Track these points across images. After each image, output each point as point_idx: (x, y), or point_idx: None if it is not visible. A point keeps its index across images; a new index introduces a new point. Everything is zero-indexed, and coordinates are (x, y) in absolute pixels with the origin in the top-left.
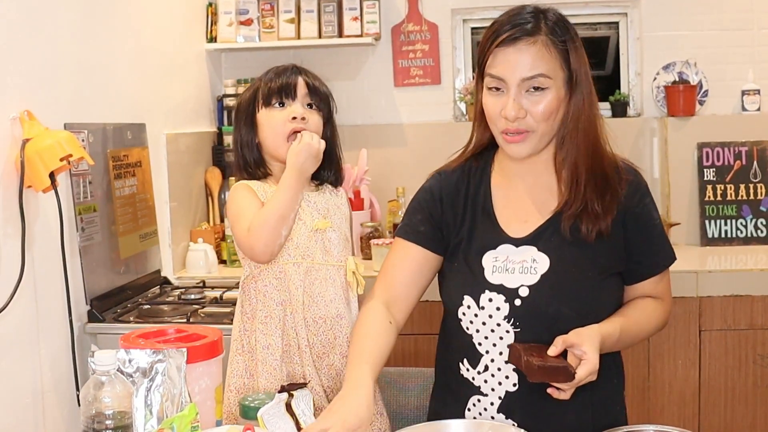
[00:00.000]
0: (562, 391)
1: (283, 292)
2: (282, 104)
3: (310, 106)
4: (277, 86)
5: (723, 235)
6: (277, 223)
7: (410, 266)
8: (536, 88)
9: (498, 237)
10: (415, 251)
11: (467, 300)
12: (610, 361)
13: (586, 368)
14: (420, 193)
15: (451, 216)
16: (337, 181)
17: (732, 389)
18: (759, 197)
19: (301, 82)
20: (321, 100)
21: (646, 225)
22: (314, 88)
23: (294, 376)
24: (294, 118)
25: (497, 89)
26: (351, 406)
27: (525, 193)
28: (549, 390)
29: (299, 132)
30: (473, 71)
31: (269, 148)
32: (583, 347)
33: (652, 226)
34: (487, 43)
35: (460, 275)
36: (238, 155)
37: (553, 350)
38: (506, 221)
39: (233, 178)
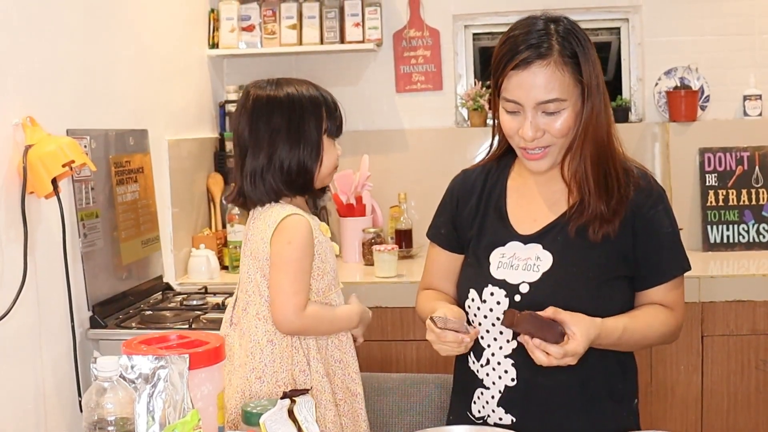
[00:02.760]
0: (543, 357)
1: None
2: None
3: None
4: (340, 122)
5: (725, 241)
6: (325, 331)
7: (440, 266)
8: (552, 112)
9: (507, 234)
10: (440, 253)
11: (472, 293)
12: (615, 364)
13: (571, 346)
14: (444, 194)
15: (465, 213)
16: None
17: (734, 394)
18: (761, 202)
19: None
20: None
21: (655, 231)
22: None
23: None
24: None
25: (514, 112)
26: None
27: (538, 193)
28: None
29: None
30: (475, 77)
31: (323, 176)
32: (573, 328)
33: (663, 233)
34: (501, 63)
35: (469, 269)
36: (290, 172)
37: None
38: (517, 219)
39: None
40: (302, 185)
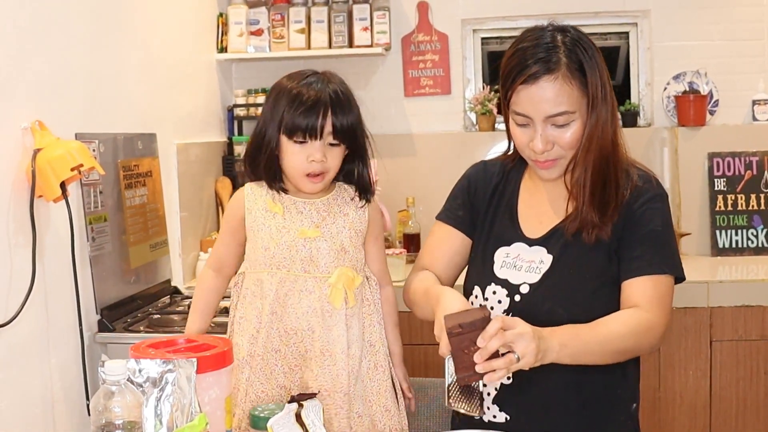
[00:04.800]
0: (493, 370)
1: (257, 298)
2: (303, 142)
3: (331, 144)
4: (303, 125)
5: (734, 245)
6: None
7: (449, 248)
8: (561, 124)
9: (514, 234)
10: (453, 234)
11: (476, 290)
12: (616, 368)
13: (507, 319)
14: (460, 179)
15: (479, 202)
16: (361, 196)
17: (743, 400)
18: None
19: (328, 124)
20: (345, 135)
21: (641, 226)
22: (341, 128)
23: (257, 380)
24: (312, 161)
25: (524, 125)
26: (456, 300)
27: (546, 196)
28: (483, 372)
29: (317, 175)
30: (483, 81)
31: (287, 175)
32: (517, 326)
33: (649, 229)
34: (509, 76)
35: (475, 265)
36: (253, 155)
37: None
38: (525, 221)
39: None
40: (257, 173)
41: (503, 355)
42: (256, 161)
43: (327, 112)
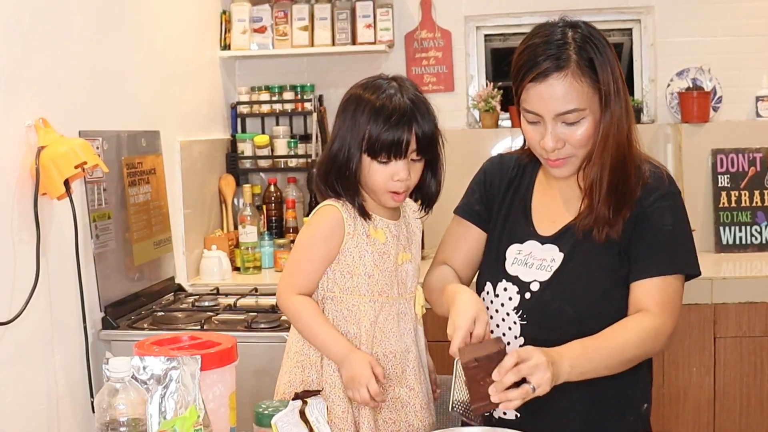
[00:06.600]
0: (509, 401)
1: (352, 324)
2: (387, 162)
3: (413, 160)
4: (388, 142)
5: (737, 242)
6: (300, 330)
7: (466, 244)
8: (572, 122)
9: (527, 231)
10: (470, 229)
11: (488, 286)
12: (627, 369)
13: (521, 351)
14: (477, 173)
15: (494, 198)
16: (426, 208)
17: (747, 396)
18: None
19: (413, 141)
20: (428, 147)
21: (650, 226)
22: (424, 138)
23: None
24: (398, 180)
25: (535, 122)
26: (471, 300)
27: (559, 194)
28: (498, 402)
29: (400, 194)
30: (486, 78)
31: (369, 190)
32: (532, 357)
33: (659, 229)
34: (519, 74)
35: (488, 261)
36: (332, 173)
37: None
38: (539, 218)
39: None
40: (335, 190)
41: (518, 384)
42: (337, 179)
43: (411, 127)
